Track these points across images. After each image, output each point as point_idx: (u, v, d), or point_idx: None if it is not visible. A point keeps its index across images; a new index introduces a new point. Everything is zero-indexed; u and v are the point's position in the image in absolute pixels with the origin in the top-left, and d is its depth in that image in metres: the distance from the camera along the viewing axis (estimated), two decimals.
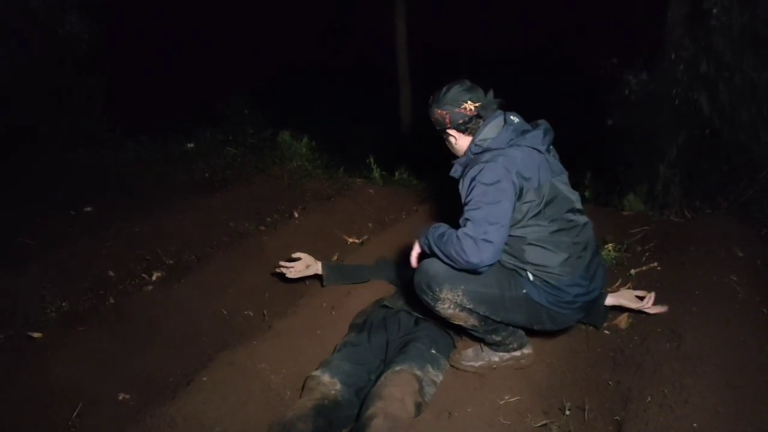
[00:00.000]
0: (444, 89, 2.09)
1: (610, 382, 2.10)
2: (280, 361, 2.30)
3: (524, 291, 2.03)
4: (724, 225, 3.01)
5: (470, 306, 2.02)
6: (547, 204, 1.97)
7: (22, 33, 5.21)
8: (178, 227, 3.68)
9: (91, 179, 4.50)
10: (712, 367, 1.87)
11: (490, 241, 1.83)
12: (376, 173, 4.88)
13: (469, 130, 2.08)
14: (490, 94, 2.09)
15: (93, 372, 2.38)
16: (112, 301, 2.95)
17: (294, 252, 2.91)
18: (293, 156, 4.89)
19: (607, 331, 2.42)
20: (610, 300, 2.36)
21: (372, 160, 4.92)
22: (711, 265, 2.52)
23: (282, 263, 2.86)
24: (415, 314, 2.41)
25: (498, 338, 2.17)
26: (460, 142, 2.12)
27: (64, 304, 2.88)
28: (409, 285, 2.68)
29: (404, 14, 7.37)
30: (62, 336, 2.57)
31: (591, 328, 2.45)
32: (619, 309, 2.40)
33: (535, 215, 1.97)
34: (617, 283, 2.70)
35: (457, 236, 1.89)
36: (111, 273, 3.20)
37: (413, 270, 2.14)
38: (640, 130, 4.25)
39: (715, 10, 3.68)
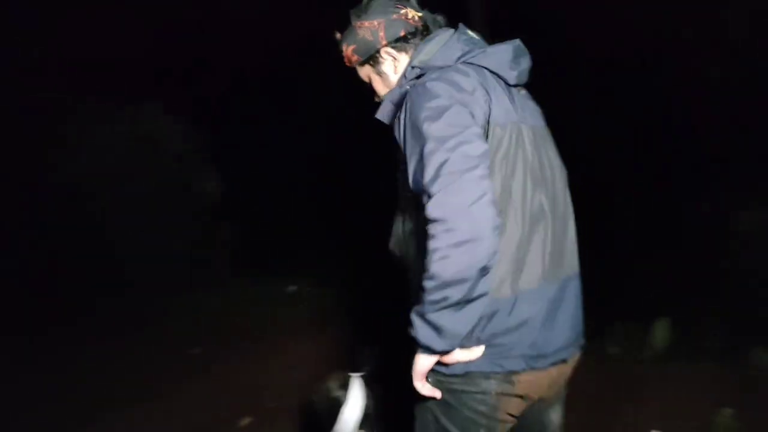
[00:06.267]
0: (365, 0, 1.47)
1: None
2: None
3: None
4: None
5: None
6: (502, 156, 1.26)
7: (164, 190, 6.11)
8: (275, 373, 3.82)
9: (206, 321, 4.89)
10: None
11: (474, 199, 1.11)
12: None
13: (411, 47, 1.43)
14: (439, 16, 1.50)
15: None
16: None
17: None
18: None
19: None
20: None
21: None
22: None
23: None
24: None
25: None
26: (401, 66, 1.44)
27: None
28: None
29: None
30: None
31: None
32: None
33: None
34: None
35: (432, 235, 1.12)
36: (206, 418, 3.33)
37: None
38: (764, 272, 3.84)
39: None
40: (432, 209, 1.12)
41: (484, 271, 1.12)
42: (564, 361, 1.33)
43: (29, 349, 4.36)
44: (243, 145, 6.90)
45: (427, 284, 1.13)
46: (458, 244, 1.09)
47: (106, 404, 3.31)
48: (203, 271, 5.92)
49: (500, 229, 1.18)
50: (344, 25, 1.47)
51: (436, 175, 1.12)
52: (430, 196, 1.13)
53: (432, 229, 1.12)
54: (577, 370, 1.44)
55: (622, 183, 6.03)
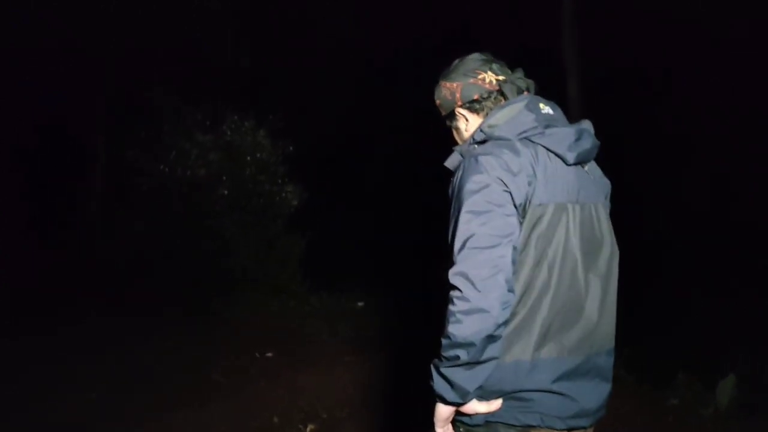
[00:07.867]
0: (456, 61, 1.62)
1: None
2: None
3: None
4: None
5: None
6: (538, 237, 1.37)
7: (248, 200, 6.54)
8: (338, 384, 4.06)
9: (277, 326, 5.23)
10: None
11: (488, 275, 1.26)
12: None
13: (484, 109, 1.55)
14: (520, 72, 1.59)
15: None
16: None
17: None
18: None
19: None
20: None
21: None
22: None
23: None
24: None
25: None
26: (471, 126, 1.58)
27: None
28: None
29: None
30: None
31: None
32: None
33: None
34: None
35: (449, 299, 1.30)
36: (275, 419, 3.62)
37: None
38: None
39: None
40: (452, 277, 1.29)
41: (491, 339, 1.27)
42: (583, 428, 1.43)
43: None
44: (324, 160, 7.30)
45: (443, 341, 1.30)
46: (469, 312, 1.25)
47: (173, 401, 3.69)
48: (273, 276, 6.31)
49: (527, 304, 1.36)
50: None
51: (462, 246, 1.29)
52: (453, 263, 1.30)
53: (450, 293, 1.29)
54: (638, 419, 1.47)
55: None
